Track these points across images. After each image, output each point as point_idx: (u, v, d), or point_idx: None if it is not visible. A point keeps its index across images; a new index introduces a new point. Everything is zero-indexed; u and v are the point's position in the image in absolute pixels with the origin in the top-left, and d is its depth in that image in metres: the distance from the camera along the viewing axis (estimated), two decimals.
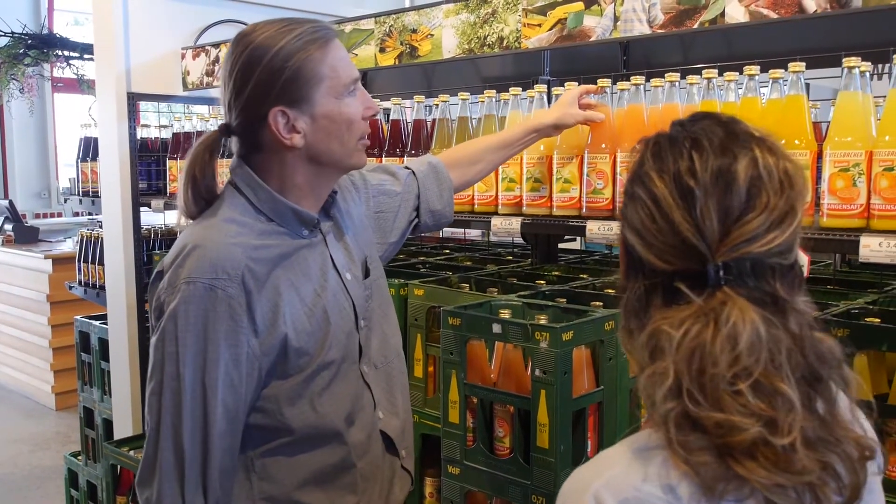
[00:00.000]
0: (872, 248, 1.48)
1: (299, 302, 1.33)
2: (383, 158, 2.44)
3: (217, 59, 3.29)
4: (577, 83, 2.05)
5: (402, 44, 2.88)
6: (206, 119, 3.31)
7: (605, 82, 1.99)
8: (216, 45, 3.29)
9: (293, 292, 1.33)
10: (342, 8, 3.83)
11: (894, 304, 1.92)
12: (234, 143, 1.38)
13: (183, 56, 3.44)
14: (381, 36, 3.02)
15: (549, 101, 2.12)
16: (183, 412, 1.24)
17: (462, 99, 2.27)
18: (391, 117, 2.46)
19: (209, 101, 3.75)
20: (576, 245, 3.25)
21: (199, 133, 3.19)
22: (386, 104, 2.54)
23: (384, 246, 1.68)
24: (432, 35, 2.79)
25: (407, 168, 1.76)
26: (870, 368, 1.68)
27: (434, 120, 2.35)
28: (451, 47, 2.70)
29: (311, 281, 1.37)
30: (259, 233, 1.33)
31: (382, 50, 3.06)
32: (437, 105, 2.33)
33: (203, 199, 1.37)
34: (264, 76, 1.28)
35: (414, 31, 2.88)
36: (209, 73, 3.33)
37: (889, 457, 1.62)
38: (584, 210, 1.96)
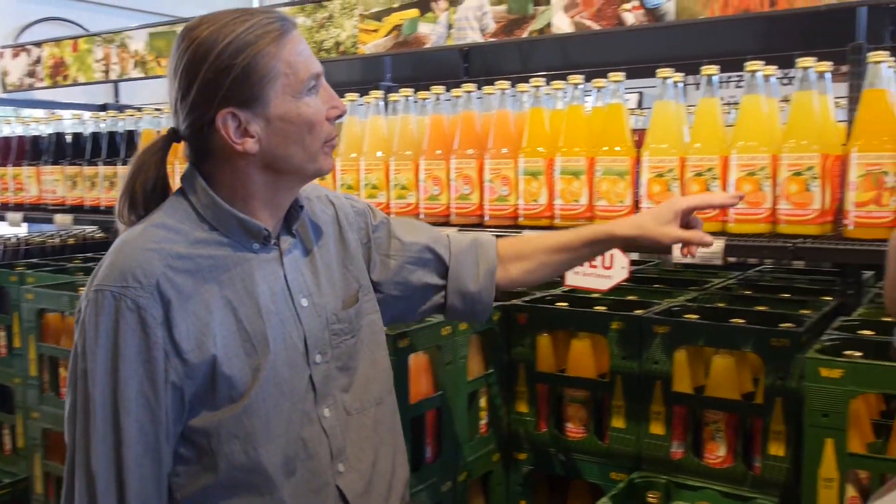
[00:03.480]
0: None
1: (234, 323, 1.21)
2: None
3: (39, 60, 3.08)
4: (413, 90, 2.05)
5: None
6: (37, 121, 3.07)
7: (439, 90, 2.00)
8: (39, 45, 3.08)
9: (228, 312, 1.21)
10: (181, 8, 3.69)
11: (711, 302, 2.05)
12: (185, 149, 1.28)
13: (1, 55, 3.20)
14: None
15: (386, 107, 2.11)
16: (94, 435, 1.14)
17: None
18: None
19: (35, 105, 3.50)
20: None
21: (26, 139, 2.98)
22: None
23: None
24: None
25: (445, 236, 1.51)
26: (689, 363, 1.78)
27: None
28: None
29: (253, 301, 1.23)
30: (193, 241, 1.21)
31: None
32: None
33: (143, 210, 1.26)
34: (210, 75, 1.17)
35: None
36: (31, 74, 3.11)
37: (707, 445, 1.73)
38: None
